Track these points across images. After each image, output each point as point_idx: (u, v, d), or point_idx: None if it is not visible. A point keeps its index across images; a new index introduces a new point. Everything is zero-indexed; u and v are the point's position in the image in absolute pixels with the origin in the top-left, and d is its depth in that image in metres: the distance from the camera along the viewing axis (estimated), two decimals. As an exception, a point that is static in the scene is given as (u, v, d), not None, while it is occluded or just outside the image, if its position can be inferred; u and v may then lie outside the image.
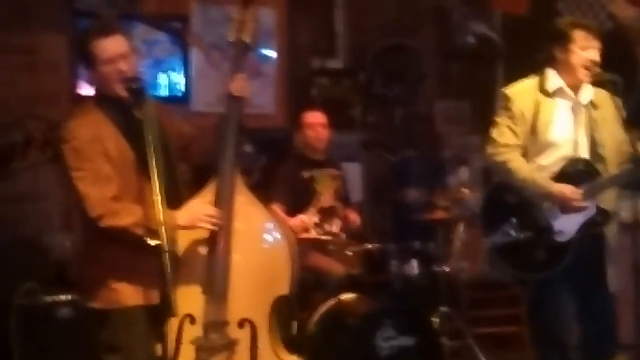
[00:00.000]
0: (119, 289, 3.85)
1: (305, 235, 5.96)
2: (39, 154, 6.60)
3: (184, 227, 3.78)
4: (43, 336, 5.56)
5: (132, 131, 3.82)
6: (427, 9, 8.17)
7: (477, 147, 7.56)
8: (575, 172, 4.57)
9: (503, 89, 4.79)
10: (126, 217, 3.75)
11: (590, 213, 4.55)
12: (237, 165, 4.03)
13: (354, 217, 6.35)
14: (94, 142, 3.80)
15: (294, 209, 6.07)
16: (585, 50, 4.54)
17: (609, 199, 4.62)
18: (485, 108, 7.57)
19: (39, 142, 6.60)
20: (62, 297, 5.60)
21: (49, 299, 5.63)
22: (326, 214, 6.24)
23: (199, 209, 3.88)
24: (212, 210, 3.88)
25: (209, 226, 3.86)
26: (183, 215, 3.79)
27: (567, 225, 4.52)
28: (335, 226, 6.26)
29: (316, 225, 6.16)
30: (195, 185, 4.09)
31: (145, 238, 3.69)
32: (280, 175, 6.32)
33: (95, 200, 3.75)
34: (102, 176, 3.78)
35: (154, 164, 3.54)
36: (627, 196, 4.63)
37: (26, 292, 5.63)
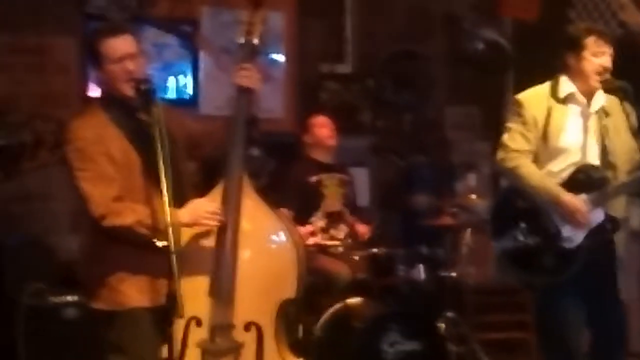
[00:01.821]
0: (123, 290, 3.85)
1: (312, 240, 5.97)
2: (49, 154, 6.62)
3: (187, 225, 3.77)
4: (49, 336, 5.57)
5: (136, 133, 3.84)
6: (437, 15, 8.17)
7: (486, 153, 7.57)
8: (585, 179, 4.56)
9: (515, 95, 4.79)
10: (129, 216, 3.75)
11: (599, 220, 4.54)
12: (246, 168, 4.02)
13: (364, 230, 6.35)
14: (97, 143, 3.80)
15: (301, 213, 6.08)
16: (597, 56, 4.54)
17: (618, 207, 4.62)
18: (494, 115, 7.59)
19: (49, 143, 6.63)
20: (69, 298, 5.61)
21: (55, 299, 5.64)
22: (333, 218, 6.25)
23: (202, 207, 3.86)
24: (215, 207, 3.87)
25: (212, 223, 3.85)
26: (186, 213, 3.78)
27: (575, 232, 4.52)
28: (341, 231, 6.26)
29: (322, 230, 6.16)
30: (205, 187, 4.09)
31: (149, 237, 3.70)
32: (288, 179, 6.32)
33: (97, 200, 3.75)
34: (104, 176, 3.78)
35: (161, 166, 3.54)
36: (637, 204, 4.62)
37: (33, 292, 5.64)
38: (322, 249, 6.08)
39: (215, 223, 3.86)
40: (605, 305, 4.59)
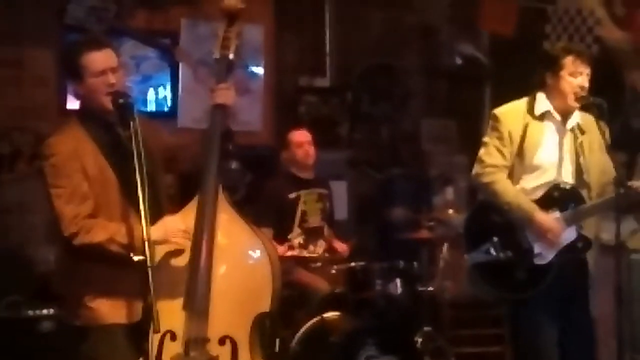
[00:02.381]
0: (97, 307, 3.85)
1: (290, 253, 5.98)
2: (26, 166, 6.61)
3: (157, 242, 3.71)
4: (25, 349, 5.55)
5: (113, 148, 3.85)
6: (414, 28, 8.21)
7: (462, 166, 7.61)
8: (560, 197, 4.58)
9: (493, 110, 4.80)
10: (99, 233, 3.75)
11: (571, 239, 4.57)
12: (222, 182, 4.02)
13: (342, 248, 6.37)
14: (73, 159, 3.80)
15: (279, 229, 6.09)
16: (574, 76, 4.55)
17: (590, 224, 4.64)
18: (471, 128, 7.64)
19: (26, 155, 6.61)
20: (44, 311, 5.60)
21: (31, 312, 5.62)
22: (311, 234, 6.26)
23: (173, 224, 3.85)
24: (185, 225, 3.86)
25: (182, 242, 3.84)
26: (156, 230, 3.73)
27: (547, 249, 4.54)
28: (320, 247, 6.27)
29: (301, 245, 6.17)
30: (181, 199, 4.09)
31: (121, 254, 3.70)
32: (265, 195, 6.33)
33: (68, 219, 3.75)
34: (78, 194, 3.78)
35: (139, 181, 3.53)
36: (609, 218, 4.64)
37: (9, 305, 5.62)
38: (300, 263, 6.08)
39: (185, 241, 3.85)
40: (575, 323, 4.60)
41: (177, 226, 3.85)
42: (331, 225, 6.48)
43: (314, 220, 6.34)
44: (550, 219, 4.52)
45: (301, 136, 6.43)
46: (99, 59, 3.85)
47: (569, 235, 4.55)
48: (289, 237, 6.19)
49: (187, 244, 3.85)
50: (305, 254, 6.14)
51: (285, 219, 6.21)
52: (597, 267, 4.69)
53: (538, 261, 4.53)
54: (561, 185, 4.59)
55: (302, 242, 6.21)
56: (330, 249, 6.34)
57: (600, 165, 4.60)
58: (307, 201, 6.32)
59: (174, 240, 3.83)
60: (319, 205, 6.39)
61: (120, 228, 3.77)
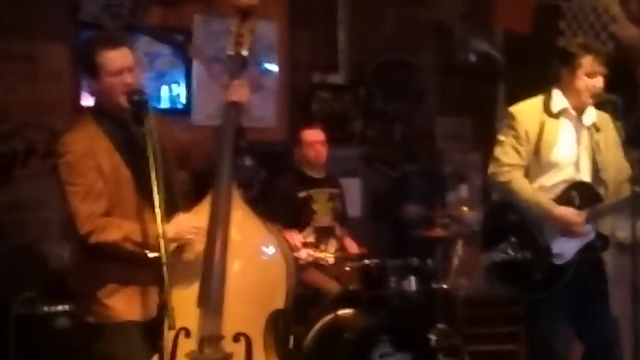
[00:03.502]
0: (111, 305, 3.88)
1: (304, 253, 5.97)
2: (40, 163, 6.61)
3: (172, 240, 3.71)
4: (40, 346, 5.56)
5: (128, 146, 3.85)
6: (428, 25, 8.19)
7: (477, 164, 7.59)
8: (577, 195, 4.56)
9: (509, 108, 4.77)
10: (114, 232, 3.77)
11: (590, 237, 4.55)
12: (235, 178, 4.02)
13: (352, 247, 6.36)
14: (87, 156, 3.81)
15: (291, 228, 6.05)
16: (591, 77, 4.54)
17: (605, 223, 4.62)
18: (486, 125, 7.62)
19: (40, 151, 6.62)
20: (60, 307, 5.60)
21: (46, 308, 5.63)
22: (323, 233, 6.26)
23: (187, 222, 3.86)
24: (200, 223, 3.86)
25: (196, 239, 3.84)
26: (171, 228, 3.73)
27: (565, 248, 4.52)
28: (331, 246, 6.26)
29: (312, 245, 6.15)
30: (195, 196, 4.08)
31: (136, 253, 3.71)
32: (277, 193, 6.32)
33: (84, 217, 3.77)
34: (93, 192, 3.80)
35: (154, 178, 3.53)
36: (625, 216, 4.62)
37: (24, 301, 5.62)
38: (312, 263, 6.07)
39: (199, 239, 3.85)
40: (596, 322, 4.58)
41: (190, 224, 3.85)
42: (343, 224, 6.47)
43: (325, 220, 6.33)
44: (570, 211, 4.50)
45: (313, 135, 6.41)
46: (116, 58, 3.86)
47: (587, 234, 4.53)
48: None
49: (201, 242, 3.85)
50: (317, 254, 6.12)
51: (297, 218, 6.20)
52: (613, 265, 4.67)
53: (556, 261, 4.51)
54: (579, 184, 4.57)
55: (313, 241, 6.19)
56: (342, 248, 6.33)
57: (617, 163, 4.59)
58: (318, 200, 6.31)
59: (188, 238, 3.83)
60: (330, 204, 6.38)
61: (135, 227, 3.78)
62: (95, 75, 3.87)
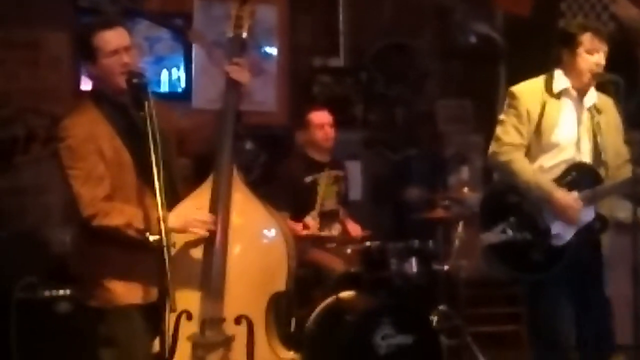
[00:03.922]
0: (113, 288, 3.88)
1: (305, 233, 5.98)
2: (41, 148, 6.63)
3: (176, 231, 3.71)
4: (42, 330, 5.57)
5: (128, 130, 3.85)
6: (428, 8, 8.17)
7: (478, 146, 7.59)
8: (578, 176, 4.56)
9: (510, 87, 4.75)
10: (117, 217, 3.77)
11: (589, 219, 4.54)
12: (237, 162, 4.02)
13: (355, 230, 6.35)
14: (88, 141, 3.81)
15: (295, 212, 6.06)
16: (591, 53, 4.51)
17: (605, 203, 4.62)
18: (486, 107, 7.62)
19: (41, 137, 6.64)
20: (61, 292, 5.62)
21: (48, 293, 5.64)
22: (327, 217, 6.24)
23: (193, 214, 3.85)
24: (206, 215, 3.86)
25: (202, 232, 3.84)
26: (176, 218, 3.74)
27: (564, 230, 4.51)
28: (335, 230, 6.26)
29: (316, 228, 6.14)
30: (196, 180, 4.09)
31: (137, 239, 3.70)
32: (281, 178, 6.28)
33: (86, 200, 3.77)
34: (94, 176, 3.80)
35: (154, 163, 3.53)
36: (625, 196, 4.61)
37: (26, 286, 5.64)
38: (315, 243, 6.07)
39: (204, 231, 3.84)
40: (592, 301, 4.59)
41: (196, 216, 3.85)
42: (345, 207, 6.46)
43: (330, 204, 6.30)
44: (569, 196, 4.49)
45: (322, 117, 6.31)
46: (112, 38, 3.85)
47: (586, 215, 4.53)
48: (305, 220, 6.16)
49: (206, 235, 3.85)
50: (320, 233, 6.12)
51: (302, 202, 6.16)
52: (613, 245, 4.67)
53: (555, 242, 4.51)
54: (579, 165, 4.57)
55: (317, 224, 6.17)
56: (344, 231, 6.33)
57: (615, 147, 4.58)
58: (322, 184, 6.23)
59: (194, 230, 3.83)
60: (334, 188, 6.35)
61: (137, 212, 3.78)
62: (93, 58, 3.87)
